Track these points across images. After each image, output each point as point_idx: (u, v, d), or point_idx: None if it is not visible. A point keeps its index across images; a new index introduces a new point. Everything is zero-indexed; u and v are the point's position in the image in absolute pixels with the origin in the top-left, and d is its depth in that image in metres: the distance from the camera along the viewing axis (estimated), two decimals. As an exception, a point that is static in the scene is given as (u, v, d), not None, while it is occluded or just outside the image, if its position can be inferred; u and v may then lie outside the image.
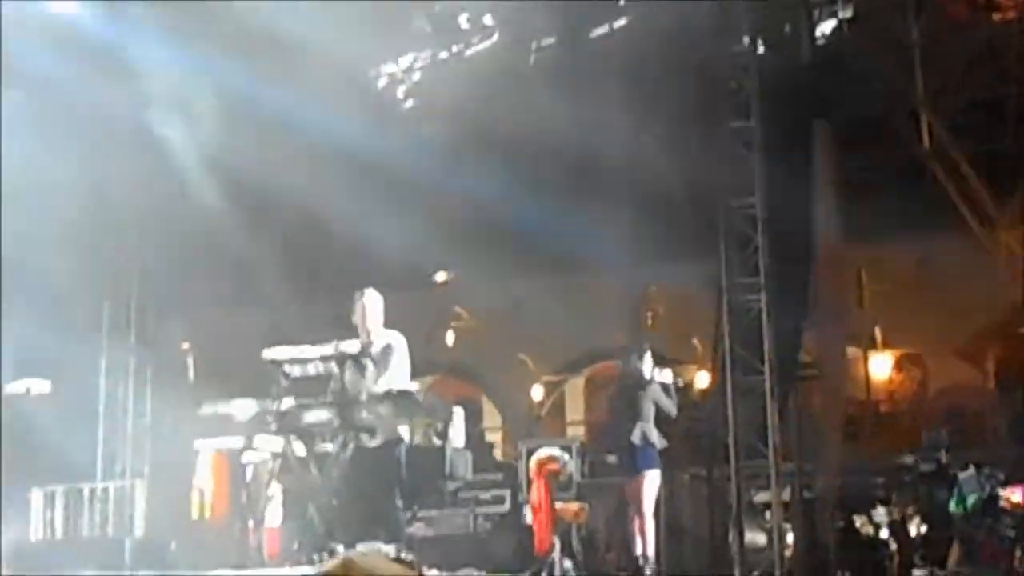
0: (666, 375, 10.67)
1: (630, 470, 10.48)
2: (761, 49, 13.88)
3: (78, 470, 14.89)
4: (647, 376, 10.57)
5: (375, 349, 8.60)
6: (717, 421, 13.23)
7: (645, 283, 20.40)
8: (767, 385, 12.81)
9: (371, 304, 8.92)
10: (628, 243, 19.89)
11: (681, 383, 10.97)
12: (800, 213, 13.89)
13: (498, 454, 17.55)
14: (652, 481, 10.43)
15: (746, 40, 13.56)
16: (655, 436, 10.44)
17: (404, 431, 8.64)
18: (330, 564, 7.09)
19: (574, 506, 11.17)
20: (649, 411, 10.46)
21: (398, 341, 8.86)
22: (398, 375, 8.66)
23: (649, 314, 17.13)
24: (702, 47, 14.17)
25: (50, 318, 14.77)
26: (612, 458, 13.27)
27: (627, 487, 10.58)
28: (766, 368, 12.83)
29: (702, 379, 18.77)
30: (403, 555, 7.67)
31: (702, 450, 14.58)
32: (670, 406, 10.63)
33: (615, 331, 19.58)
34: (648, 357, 10.67)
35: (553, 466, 10.30)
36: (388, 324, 9.03)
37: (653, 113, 17.22)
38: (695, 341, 19.15)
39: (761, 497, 13.16)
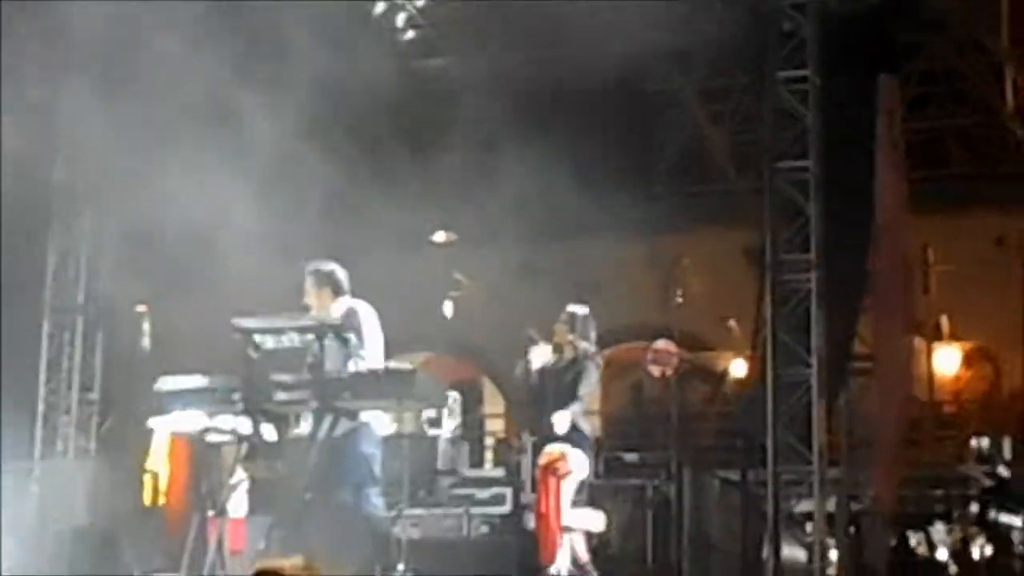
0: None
1: None
2: (822, -13, 13.84)
3: (13, 448, 14.94)
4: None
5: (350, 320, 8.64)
6: (754, 418, 13.24)
7: (676, 255, 20.39)
8: (814, 379, 12.82)
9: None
10: (658, 206, 19.87)
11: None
12: (858, 180, 13.85)
13: (499, 447, 17.60)
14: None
15: (804, -24, 13.53)
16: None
17: (371, 416, 8.66)
18: None
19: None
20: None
21: (368, 311, 8.92)
22: (373, 351, 8.70)
23: (679, 291, 17.12)
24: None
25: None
26: (631, 456, 13.35)
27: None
28: (814, 359, 12.84)
29: (738, 368, 18.79)
30: None
31: (735, 451, 14.61)
32: None
33: (640, 308, 19.59)
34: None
35: (563, 466, 10.29)
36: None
37: (693, 58, 17.17)
38: (732, 323, 19.14)
39: (802, 507, 13.19)
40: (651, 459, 14.36)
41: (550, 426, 10.52)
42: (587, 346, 10.67)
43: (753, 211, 13.91)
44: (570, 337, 10.67)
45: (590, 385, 10.63)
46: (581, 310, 10.77)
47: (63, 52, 14.89)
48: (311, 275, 9.12)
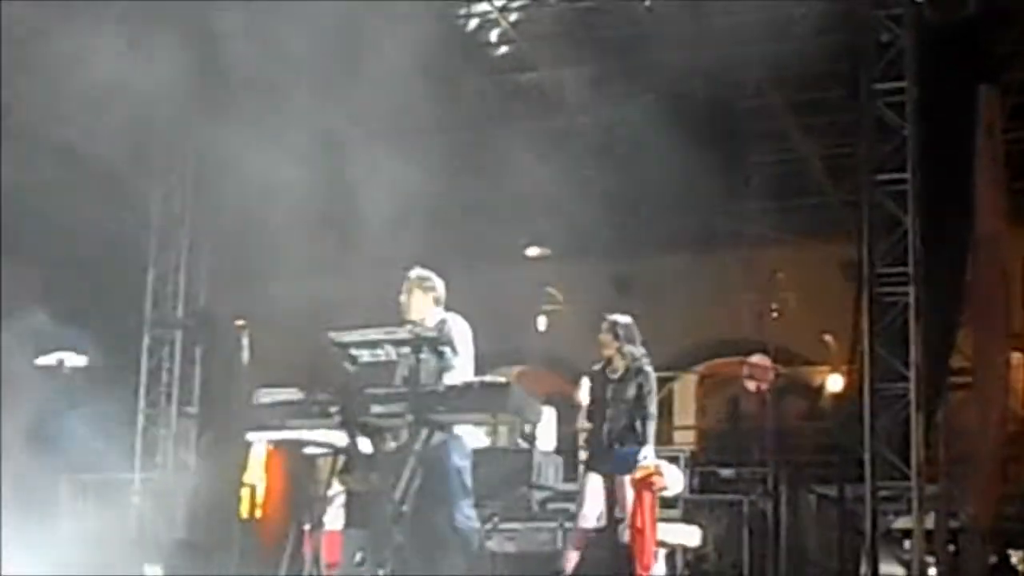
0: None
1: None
2: (919, -3, 13.74)
3: (113, 459, 15.15)
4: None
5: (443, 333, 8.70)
6: (852, 433, 13.13)
7: (771, 268, 20.29)
8: (912, 393, 12.70)
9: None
10: (753, 219, 19.75)
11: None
12: (957, 192, 13.71)
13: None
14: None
15: (901, -14, 13.44)
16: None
17: (463, 429, 8.72)
18: None
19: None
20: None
21: (462, 324, 8.99)
22: (465, 364, 8.76)
23: (775, 305, 17.07)
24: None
25: (90, 281, 15.00)
26: (727, 472, 13.27)
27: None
28: (912, 374, 12.71)
29: (835, 383, 18.63)
30: None
31: (833, 467, 14.48)
32: None
33: (736, 322, 19.50)
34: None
35: (659, 481, 10.24)
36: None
37: (789, 70, 17.06)
38: (829, 338, 19.00)
39: (900, 524, 13.05)
40: (747, 474, 14.29)
41: (613, 440, 10.48)
42: (633, 349, 10.61)
43: (850, 224, 13.80)
44: (616, 344, 10.62)
45: (654, 393, 10.59)
46: (623, 319, 10.73)
47: (163, 74, 15.11)
48: (412, 280, 9.21)
